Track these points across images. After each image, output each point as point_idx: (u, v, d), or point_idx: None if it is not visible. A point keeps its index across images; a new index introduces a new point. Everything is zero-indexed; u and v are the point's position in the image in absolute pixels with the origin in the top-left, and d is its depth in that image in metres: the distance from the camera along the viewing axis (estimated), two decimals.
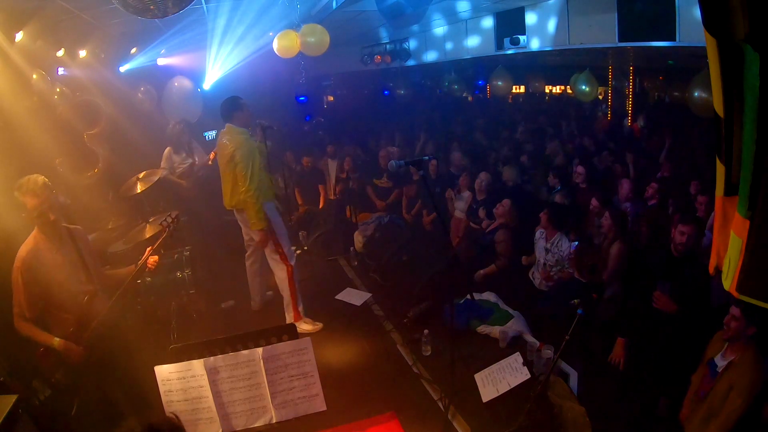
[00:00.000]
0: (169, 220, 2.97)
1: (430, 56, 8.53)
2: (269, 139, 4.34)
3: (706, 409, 2.54)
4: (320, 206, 6.85)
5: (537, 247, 4.39)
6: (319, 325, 4.11)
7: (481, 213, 5.19)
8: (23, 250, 2.50)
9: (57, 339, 2.51)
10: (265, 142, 4.28)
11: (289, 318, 4.07)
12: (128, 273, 2.85)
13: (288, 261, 4.06)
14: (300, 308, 4.10)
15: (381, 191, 6.59)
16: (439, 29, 8.04)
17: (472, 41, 7.28)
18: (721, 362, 2.59)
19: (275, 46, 5.54)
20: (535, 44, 6.14)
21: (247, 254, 4.37)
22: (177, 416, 1.58)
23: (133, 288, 3.94)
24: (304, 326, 4.03)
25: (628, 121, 9.27)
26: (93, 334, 2.59)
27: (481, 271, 4.82)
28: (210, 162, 6.38)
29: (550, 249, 4.23)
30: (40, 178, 2.73)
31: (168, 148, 6.15)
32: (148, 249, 2.84)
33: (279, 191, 4.72)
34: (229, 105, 3.95)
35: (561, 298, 3.77)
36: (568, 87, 10.35)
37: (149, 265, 2.83)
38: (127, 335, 2.88)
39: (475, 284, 4.64)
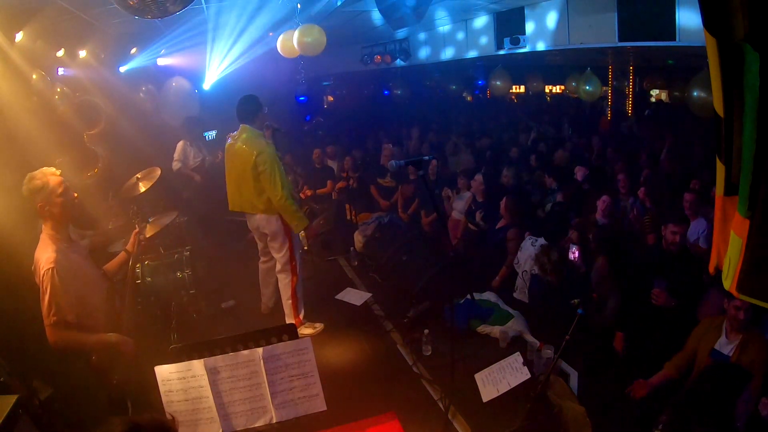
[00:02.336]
0: (132, 214, 2.95)
1: (430, 56, 8.53)
2: (277, 142, 4.20)
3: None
4: (333, 196, 6.84)
5: (523, 254, 4.33)
6: (320, 326, 4.09)
7: (478, 216, 5.17)
8: (50, 250, 2.30)
9: (112, 334, 2.41)
10: (275, 145, 4.11)
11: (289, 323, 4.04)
12: (121, 261, 2.82)
13: (296, 272, 3.98)
14: (301, 315, 4.06)
15: (385, 191, 6.58)
16: (439, 29, 8.04)
17: (472, 41, 7.28)
18: (728, 347, 2.65)
19: (279, 46, 5.56)
20: (535, 44, 6.14)
21: (262, 260, 4.30)
22: (173, 417, 1.53)
23: (134, 285, 3.98)
24: (304, 331, 4.00)
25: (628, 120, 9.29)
26: (125, 327, 2.55)
27: (497, 278, 4.67)
28: (218, 160, 6.44)
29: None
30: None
31: (182, 141, 6.19)
32: (134, 231, 2.83)
33: (296, 194, 4.58)
34: (252, 105, 3.74)
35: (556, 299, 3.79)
36: (567, 87, 10.38)
37: (142, 242, 2.84)
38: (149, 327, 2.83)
39: (476, 284, 4.63)
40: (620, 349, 3.29)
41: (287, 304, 4.02)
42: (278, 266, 4.03)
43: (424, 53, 8.67)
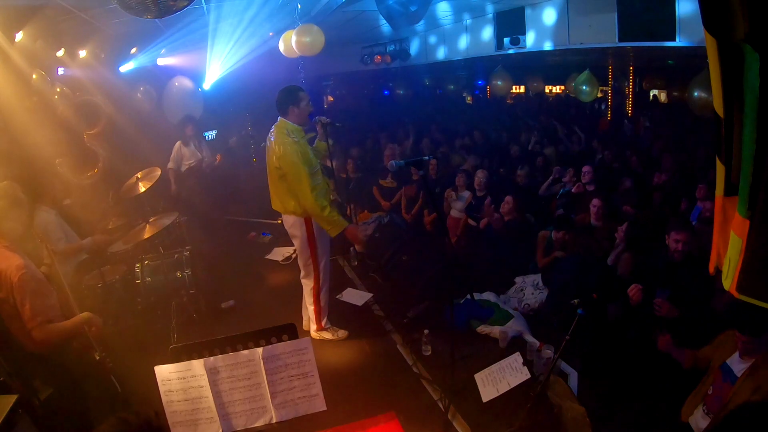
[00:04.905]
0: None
1: (430, 56, 8.54)
2: (332, 137, 3.91)
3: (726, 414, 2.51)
4: (332, 197, 6.80)
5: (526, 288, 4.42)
6: (344, 334, 3.93)
7: (487, 203, 5.18)
8: (15, 258, 2.36)
9: (82, 314, 2.51)
10: (327, 141, 3.84)
11: (313, 329, 3.91)
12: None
13: (319, 280, 3.77)
14: (323, 321, 3.91)
15: (386, 191, 6.57)
16: (439, 29, 8.05)
17: (472, 41, 7.28)
18: (738, 366, 2.55)
19: (281, 46, 5.57)
20: (535, 44, 6.15)
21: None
22: (157, 414, 1.54)
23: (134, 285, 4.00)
24: (324, 335, 3.90)
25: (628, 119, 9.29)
26: (77, 308, 2.63)
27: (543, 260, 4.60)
28: (216, 162, 6.43)
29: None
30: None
31: (178, 142, 6.22)
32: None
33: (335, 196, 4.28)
34: (285, 97, 3.50)
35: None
36: (566, 87, 10.38)
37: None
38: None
39: (476, 284, 4.62)
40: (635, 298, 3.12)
41: (309, 309, 3.90)
42: (302, 272, 3.85)
43: (424, 53, 8.67)
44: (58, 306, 2.55)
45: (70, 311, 2.60)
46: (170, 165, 6.16)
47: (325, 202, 3.48)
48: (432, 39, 8.39)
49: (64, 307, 2.62)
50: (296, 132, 3.51)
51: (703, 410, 2.66)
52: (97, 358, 2.53)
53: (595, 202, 4.47)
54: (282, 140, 3.44)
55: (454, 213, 5.50)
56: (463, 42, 7.50)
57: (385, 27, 7.55)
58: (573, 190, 5.30)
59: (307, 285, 3.84)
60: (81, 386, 2.54)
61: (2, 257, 2.36)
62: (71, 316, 2.56)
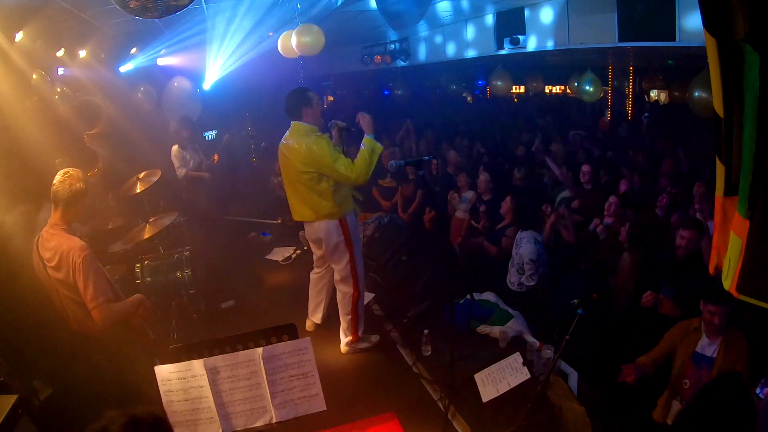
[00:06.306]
0: None
1: (430, 56, 8.53)
2: (347, 143, 3.80)
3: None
4: None
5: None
6: (376, 338, 3.88)
7: (482, 209, 5.18)
8: (76, 239, 2.45)
9: (135, 295, 2.67)
10: (342, 147, 3.64)
11: (345, 340, 3.75)
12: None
13: (359, 286, 3.65)
14: (360, 331, 3.78)
15: (385, 191, 6.55)
16: (439, 30, 8.05)
17: (472, 41, 7.28)
18: (710, 348, 2.63)
19: (279, 46, 5.57)
20: (534, 44, 6.15)
21: (315, 270, 4.02)
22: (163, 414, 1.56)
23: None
24: (360, 345, 3.78)
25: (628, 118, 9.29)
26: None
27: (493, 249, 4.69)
28: (215, 161, 6.41)
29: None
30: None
31: (175, 146, 6.17)
32: None
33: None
34: (296, 99, 3.38)
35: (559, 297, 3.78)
36: (568, 87, 10.38)
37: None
38: None
39: (476, 284, 4.63)
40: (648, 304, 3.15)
41: (346, 319, 3.71)
42: (337, 276, 3.71)
43: (424, 53, 8.67)
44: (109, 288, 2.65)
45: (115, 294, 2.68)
46: (182, 170, 6.02)
47: (351, 162, 3.33)
48: (432, 39, 8.38)
49: None
50: (314, 132, 3.42)
51: (683, 405, 2.69)
52: (152, 336, 2.69)
53: (612, 198, 4.44)
54: (305, 140, 3.34)
55: (459, 214, 5.50)
56: (463, 42, 7.50)
57: (385, 27, 7.55)
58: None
59: (345, 293, 3.68)
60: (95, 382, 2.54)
61: (64, 239, 2.45)
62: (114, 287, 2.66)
